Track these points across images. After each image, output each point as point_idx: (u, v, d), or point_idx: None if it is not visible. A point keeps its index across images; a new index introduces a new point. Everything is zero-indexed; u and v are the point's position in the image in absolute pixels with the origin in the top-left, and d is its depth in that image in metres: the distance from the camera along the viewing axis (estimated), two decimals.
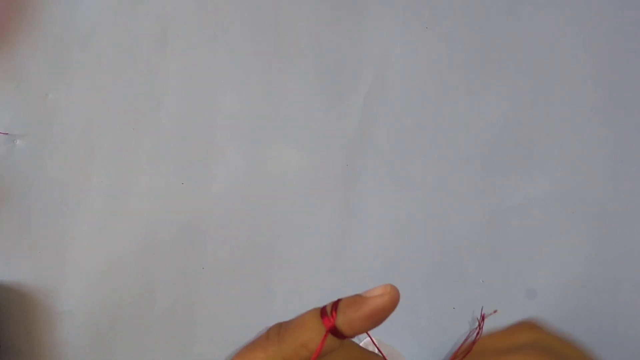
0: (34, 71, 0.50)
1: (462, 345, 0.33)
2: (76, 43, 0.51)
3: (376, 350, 0.29)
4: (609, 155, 0.52)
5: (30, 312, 0.49)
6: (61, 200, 0.50)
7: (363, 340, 0.28)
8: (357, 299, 0.26)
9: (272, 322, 0.30)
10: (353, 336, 0.26)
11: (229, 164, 0.51)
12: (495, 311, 0.47)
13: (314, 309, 0.27)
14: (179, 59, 0.51)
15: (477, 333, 0.31)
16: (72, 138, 0.50)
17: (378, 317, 0.26)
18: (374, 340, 0.28)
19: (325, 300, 0.30)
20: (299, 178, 0.51)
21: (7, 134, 0.50)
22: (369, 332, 0.27)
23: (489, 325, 0.48)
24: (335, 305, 0.26)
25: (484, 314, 0.31)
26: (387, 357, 0.28)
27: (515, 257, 0.51)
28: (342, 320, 0.26)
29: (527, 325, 0.35)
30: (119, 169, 0.50)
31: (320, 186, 0.51)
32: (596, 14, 0.53)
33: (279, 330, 0.27)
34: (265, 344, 0.26)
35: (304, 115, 0.52)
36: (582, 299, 0.50)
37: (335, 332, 0.26)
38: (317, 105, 0.52)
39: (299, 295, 0.50)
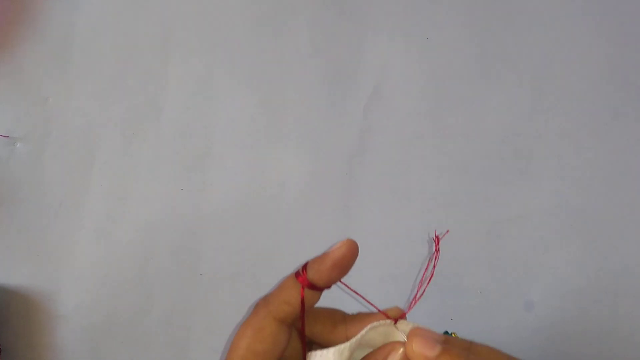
0: (35, 75, 0.51)
1: (424, 274, 0.36)
2: (77, 48, 0.51)
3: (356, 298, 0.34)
4: (607, 168, 0.52)
5: (28, 316, 0.49)
6: (60, 204, 0.50)
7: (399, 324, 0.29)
8: (321, 255, 0.31)
9: None
10: (326, 286, 0.31)
11: (228, 170, 0.51)
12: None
13: (290, 275, 0.31)
14: (180, 64, 0.52)
15: (435, 257, 0.34)
16: (72, 142, 0.50)
17: (341, 265, 0.30)
18: (348, 286, 0.31)
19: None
20: (298, 186, 0.51)
21: (7, 136, 0.50)
22: (342, 282, 0.31)
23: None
24: (305, 265, 0.31)
25: (438, 235, 0.31)
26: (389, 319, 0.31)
27: (513, 269, 0.51)
28: (312, 274, 0.30)
29: None
30: (118, 173, 0.50)
31: (319, 194, 0.51)
32: (595, 26, 0.53)
33: (265, 298, 0.31)
34: (256, 311, 0.31)
35: (303, 124, 0.52)
36: (580, 311, 0.50)
37: (310, 286, 0.30)
38: (317, 113, 0.52)
39: None
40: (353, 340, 0.30)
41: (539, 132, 0.52)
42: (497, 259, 0.51)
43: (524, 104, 0.52)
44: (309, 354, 0.30)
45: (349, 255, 0.30)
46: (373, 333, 0.31)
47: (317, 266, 0.30)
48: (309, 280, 0.30)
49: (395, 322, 0.31)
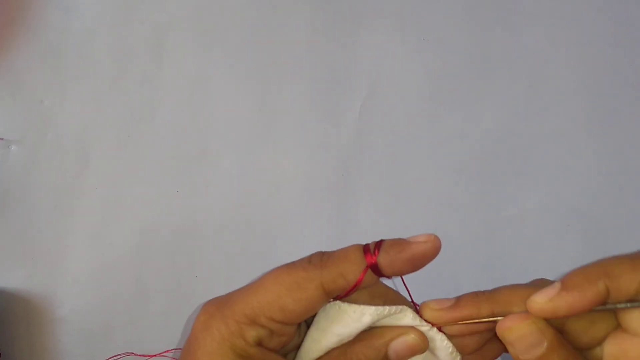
0: (30, 78, 0.50)
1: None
2: (72, 50, 0.51)
3: (407, 295, 0.30)
4: (604, 167, 0.52)
5: (24, 318, 0.49)
6: (55, 207, 0.50)
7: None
8: (401, 241, 0.28)
9: None
10: (390, 276, 0.28)
11: (224, 172, 0.51)
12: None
13: (357, 245, 0.28)
14: (174, 67, 0.52)
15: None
16: (67, 144, 0.50)
17: (418, 262, 0.27)
18: (406, 285, 0.30)
19: None
20: (294, 186, 0.51)
21: (2, 139, 0.50)
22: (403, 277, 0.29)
23: None
24: (379, 244, 0.28)
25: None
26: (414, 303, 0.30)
27: (510, 268, 0.51)
28: (383, 259, 0.27)
29: None
30: (114, 175, 0.50)
31: (315, 195, 0.51)
32: (590, 27, 0.53)
33: (322, 257, 0.28)
34: (306, 266, 0.28)
35: (299, 124, 0.52)
36: None
37: (375, 269, 0.27)
38: (313, 114, 0.52)
39: None
40: (380, 308, 0.28)
41: (535, 132, 0.52)
42: (494, 258, 0.51)
43: (520, 103, 0.52)
44: (329, 304, 0.28)
45: (431, 254, 0.28)
46: (396, 317, 0.29)
47: (393, 253, 0.27)
48: (377, 263, 0.27)
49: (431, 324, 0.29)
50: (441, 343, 0.29)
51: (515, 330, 0.28)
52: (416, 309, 0.30)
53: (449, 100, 0.52)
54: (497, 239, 0.51)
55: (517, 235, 0.51)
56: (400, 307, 0.29)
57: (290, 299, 0.27)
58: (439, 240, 0.28)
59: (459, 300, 0.29)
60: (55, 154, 0.50)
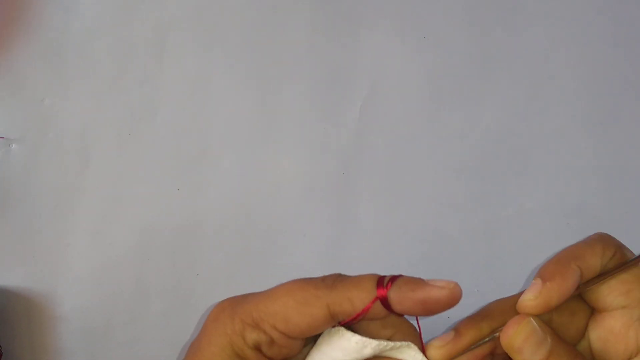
0: (31, 76, 0.50)
1: None
2: (73, 49, 0.51)
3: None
4: (603, 166, 0.52)
5: (25, 316, 0.49)
6: (56, 205, 0.50)
7: None
8: (417, 280, 0.27)
9: None
10: (401, 314, 0.27)
11: (225, 170, 0.51)
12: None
13: (373, 274, 0.28)
14: (175, 66, 0.52)
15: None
16: (68, 143, 0.50)
17: (430, 306, 0.26)
18: (419, 324, 0.29)
19: None
20: (294, 186, 0.51)
21: (3, 138, 0.50)
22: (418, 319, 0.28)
23: None
24: (394, 278, 0.27)
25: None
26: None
27: (510, 267, 0.51)
28: (394, 294, 0.26)
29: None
30: (114, 174, 0.50)
31: (316, 194, 0.51)
32: (590, 26, 0.53)
33: (336, 279, 0.28)
34: (319, 284, 0.27)
35: (299, 123, 0.52)
36: None
37: (384, 302, 0.26)
38: (313, 113, 0.52)
39: None
40: (383, 343, 0.28)
41: (535, 132, 0.52)
42: (494, 257, 0.51)
43: (520, 103, 0.52)
44: (335, 328, 0.28)
45: (445, 302, 0.27)
46: (402, 350, 0.29)
47: (405, 290, 0.26)
48: (387, 297, 0.26)
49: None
50: None
51: (520, 333, 0.28)
52: (424, 349, 0.29)
53: (449, 100, 0.52)
54: (497, 239, 0.51)
55: (517, 235, 0.51)
56: (406, 343, 0.28)
57: (295, 312, 0.27)
58: (459, 289, 0.27)
59: (457, 329, 0.30)
60: (55, 153, 0.50)
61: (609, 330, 0.29)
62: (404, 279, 0.27)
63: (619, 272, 0.29)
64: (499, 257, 0.51)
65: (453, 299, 0.27)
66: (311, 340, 0.30)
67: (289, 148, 0.51)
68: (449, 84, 0.52)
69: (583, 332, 0.31)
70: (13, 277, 0.49)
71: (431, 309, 0.27)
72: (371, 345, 0.27)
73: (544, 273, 0.28)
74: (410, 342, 0.28)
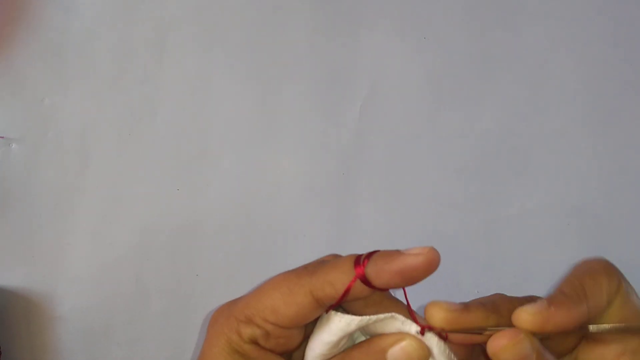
0: (31, 76, 0.50)
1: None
2: (73, 49, 0.51)
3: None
4: (604, 166, 0.52)
5: (24, 317, 0.49)
6: (56, 205, 0.50)
7: None
8: (392, 253, 0.27)
9: None
10: (383, 288, 0.27)
11: (225, 170, 0.51)
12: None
13: (351, 255, 0.28)
14: (175, 66, 0.52)
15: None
16: (68, 143, 0.50)
17: (408, 275, 0.26)
18: (407, 298, 0.29)
19: None
20: (294, 186, 0.51)
21: (3, 137, 0.50)
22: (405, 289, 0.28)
23: None
24: (371, 255, 0.27)
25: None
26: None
27: (511, 268, 0.51)
28: (371, 269, 0.26)
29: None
30: (114, 174, 0.50)
31: (316, 194, 0.51)
32: (590, 26, 0.53)
33: (317, 265, 0.28)
34: (301, 272, 0.28)
35: (300, 124, 0.52)
36: None
37: (365, 280, 0.26)
38: (313, 113, 0.52)
39: None
40: (366, 318, 0.28)
41: (535, 132, 0.52)
42: (494, 257, 0.51)
43: (520, 103, 0.52)
44: (326, 314, 0.28)
45: (423, 268, 0.26)
46: (388, 323, 0.29)
47: (380, 264, 0.26)
48: (365, 274, 0.26)
49: (422, 333, 0.28)
50: (438, 348, 0.29)
51: (510, 349, 0.27)
52: (414, 317, 0.29)
53: (449, 100, 0.52)
54: (497, 239, 0.51)
55: (517, 235, 0.51)
56: (389, 314, 0.28)
57: (281, 303, 0.28)
58: (435, 253, 0.26)
59: (468, 305, 0.29)
60: (55, 153, 0.50)
61: (600, 358, 0.29)
62: (380, 253, 0.27)
63: (622, 329, 0.29)
64: (499, 257, 0.51)
65: (430, 264, 0.26)
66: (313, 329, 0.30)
67: (289, 148, 0.51)
68: (449, 84, 0.52)
69: (571, 350, 0.31)
70: (13, 277, 0.49)
71: (410, 277, 0.26)
72: (354, 322, 0.28)
73: (553, 298, 0.28)
74: (394, 313, 0.28)
